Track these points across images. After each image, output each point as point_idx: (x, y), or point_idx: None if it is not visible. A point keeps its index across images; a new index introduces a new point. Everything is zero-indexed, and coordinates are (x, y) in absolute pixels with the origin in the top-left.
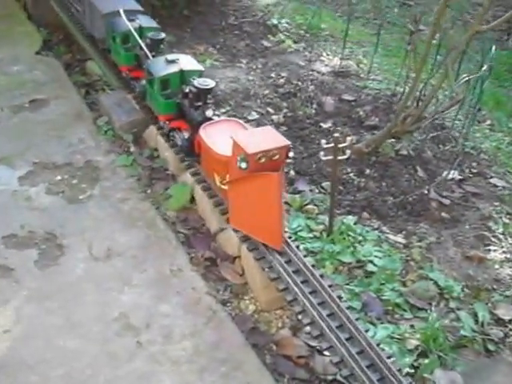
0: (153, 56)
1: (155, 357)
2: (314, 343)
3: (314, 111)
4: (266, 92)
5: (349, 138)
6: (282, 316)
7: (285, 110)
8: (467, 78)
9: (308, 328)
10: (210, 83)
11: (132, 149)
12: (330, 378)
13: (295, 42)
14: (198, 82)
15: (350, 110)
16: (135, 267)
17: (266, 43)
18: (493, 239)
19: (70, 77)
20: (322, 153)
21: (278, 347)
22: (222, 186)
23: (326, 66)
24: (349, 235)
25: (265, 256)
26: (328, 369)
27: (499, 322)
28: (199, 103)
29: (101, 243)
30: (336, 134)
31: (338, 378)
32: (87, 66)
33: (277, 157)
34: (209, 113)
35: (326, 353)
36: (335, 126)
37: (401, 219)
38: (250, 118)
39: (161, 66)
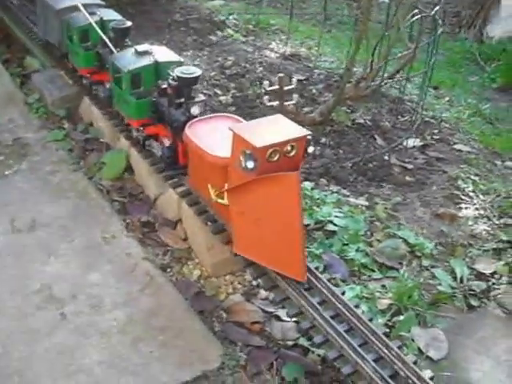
0: (118, 52)
1: (81, 329)
2: (271, 309)
3: (263, 91)
4: (213, 74)
5: (295, 79)
6: (232, 282)
7: (233, 91)
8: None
9: (264, 293)
10: (194, 71)
11: (66, 125)
12: (290, 343)
13: (244, 36)
14: (180, 71)
15: (303, 88)
16: (62, 237)
17: (213, 38)
18: (463, 197)
19: (7, 70)
20: (265, 97)
21: (229, 314)
22: (220, 200)
23: (276, 52)
24: (305, 199)
25: (207, 210)
26: (288, 334)
27: (480, 276)
28: (181, 99)
29: (24, 215)
30: (280, 74)
31: (301, 342)
32: (26, 61)
33: (293, 152)
34: (195, 110)
35: (285, 318)
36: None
37: (362, 184)
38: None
39: (130, 59)
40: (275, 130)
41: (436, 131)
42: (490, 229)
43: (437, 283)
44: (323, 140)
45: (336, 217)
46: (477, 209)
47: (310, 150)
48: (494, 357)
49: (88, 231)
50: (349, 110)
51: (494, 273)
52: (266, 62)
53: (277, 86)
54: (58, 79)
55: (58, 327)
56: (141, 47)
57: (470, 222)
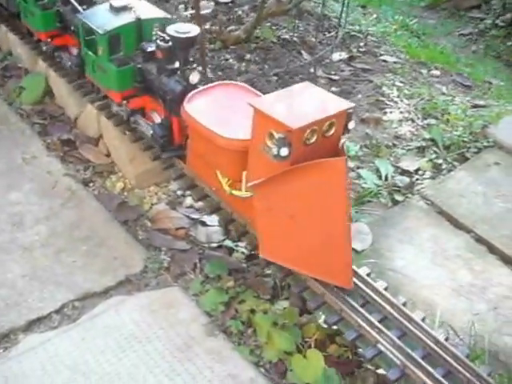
0: (84, 10)
1: (2, 246)
2: (196, 215)
3: (189, 15)
4: None
5: None
6: (157, 192)
7: None
8: None
9: (189, 201)
10: (190, 29)
11: None
12: (214, 245)
13: None
14: (174, 30)
15: (229, 11)
16: None
17: None
18: (388, 103)
19: None
20: (180, 6)
21: (153, 222)
22: (235, 193)
23: None
24: None
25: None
26: (212, 237)
27: (404, 173)
28: (175, 65)
29: None
30: None
31: (226, 243)
32: None
33: (332, 131)
34: (193, 78)
35: (211, 223)
36: (214, 26)
37: None
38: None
39: (105, 17)
40: (308, 103)
41: (362, 44)
42: (414, 129)
43: (362, 182)
44: (248, 56)
45: None
46: (401, 112)
47: (351, 125)
48: (417, 245)
49: (8, 154)
50: (274, 27)
51: (418, 169)
52: None
53: None
54: None
55: None
56: (117, 1)
57: (395, 125)
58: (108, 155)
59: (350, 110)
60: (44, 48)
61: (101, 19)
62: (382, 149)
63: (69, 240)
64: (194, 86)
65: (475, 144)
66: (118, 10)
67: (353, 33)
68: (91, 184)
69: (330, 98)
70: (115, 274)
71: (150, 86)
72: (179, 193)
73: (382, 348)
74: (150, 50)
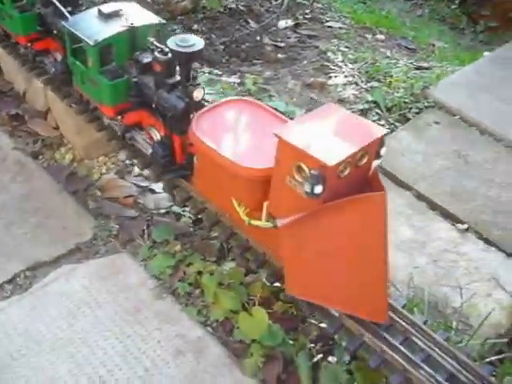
0: (70, 13)
1: None
2: (144, 183)
3: None
4: None
5: None
6: (106, 162)
7: None
8: None
9: (138, 170)
10: (195, 42)
11: None
12: (162, 211)
13: None
14: (176, 43)
15: None
16: None
17: None
18: (333, 67)
19: None
20: None
21: (103, 191)
22: (256, 223)
23: None
24: None
25: (71, 93)
26: (160, 203)
27: None
28: (175, 79)
29: None
30: None
31: (173, 209)
32: None
33: (364, 160)
34: (198, 94)
35: (159, 190)
36: None
37: (234, 64)
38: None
39: (94, 25)
40: (339, 131)
41: (308, 11)
42: (357, 92)
43: None
44: (195, 27)
45: (208, 94)
46: (345, 76)
47: (383, 151)
48: None
49: None
50: None
51: None
52: None
53: None
54: None
55: None
56: (107, 7)
57: (339, 89)
58: (57, 128)
59: (383, 136)
60: (107, 122)
61: (90, 28)
62: None
63: (19, 213)
64: (198, 103)
65: (416, 105)
66: (108, 17)
67: (299, 0)
68: (40, 157)
69: (361, 124)
70: (65, 244)
71: (147, 100)
72: (128, 162)
73: None
74: (146, 61)
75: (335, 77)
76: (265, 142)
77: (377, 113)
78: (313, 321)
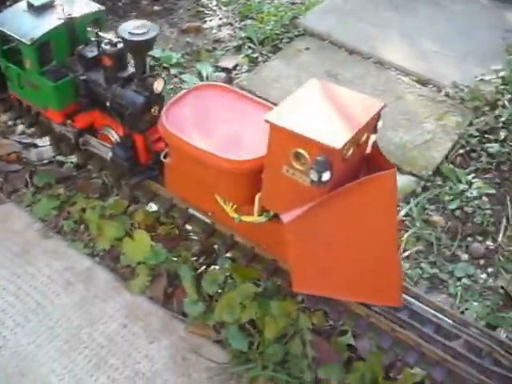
0: None
1: None
2: (28, 140)
3: None
4: None
5: None
6: None
7: None
8: None
9: (21, 128)
10: (149, 28)
11: None
12: (45, 161)
13: None
14: (127, 31)
15: None
16: None
17: None
18: (208, 12)
19: None
20: None
21: None
22: (248, 219)
23: None
24: None
25: None
26: (43, 155)
27: (224, 71)
28: (128, 72)
29: None
30: None
31: (57, 158)
32: None
33: (364, 137)
34: (158, 86)
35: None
36: None
37: (112, 21)
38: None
39: (26, 22)
40: (336, 110)
41: None
42: (232, 32)
43: (185, 86)
44: None
45: None
46: (220, 19)
47: (380, 125)
48: None
49: None
50: None
51: (236, 65)
52: None
53: None
54: None
55: None
56: None
57: (214, 31)
58: None
59: (382, 109)
60: (58, 129)
61: (22, 24)
62: (202, 53)
63: None
64: (159, 96)
65: (287, 35)
66: (40, 10)
67: None
68: None
69: (355, 98)
70: None
71: (100, 99)
72: (10, 123)
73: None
74: (92, 55)
75: (210, 20)
76: (246, 130)
77: (250, 47)
78: (194, 237)
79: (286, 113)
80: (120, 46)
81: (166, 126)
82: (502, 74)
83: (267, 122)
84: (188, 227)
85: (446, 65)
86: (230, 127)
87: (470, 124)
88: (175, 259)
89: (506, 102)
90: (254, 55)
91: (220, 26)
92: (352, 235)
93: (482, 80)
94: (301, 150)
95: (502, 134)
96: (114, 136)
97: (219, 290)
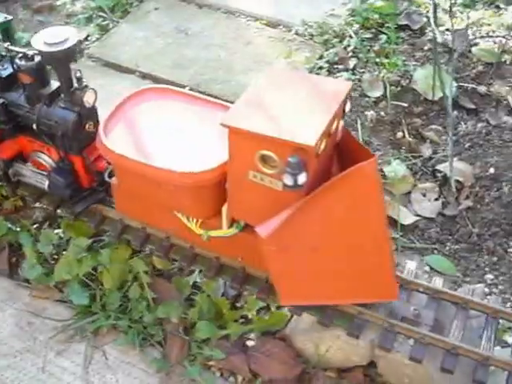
0: None
1: None
2: None
3: None
4: None
5: None
6: None
7: None
8: None
9: None
10: (68, 35)
11: None
12: None
13: None
14: (44, 41)
15: None
16: None
17: None
18: None
19: None
20: None
21: None
22: (217, 234)
23: None
24: None
25: None
26: None
27: None
28: (52, 87)
29: None
30: None
31: None
32: None
33: (334, 125)
34: (89, 98)
35: None
36: None
37: None
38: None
39: None
40: (297, 97)
41: None
42: (84, 4)
43: None
44: None
45: None
46: None
47: (348, 108)
48: None
49: None
50: None
51: (87, 36)
52: None
53: None
54: None
55: None
56: None
57: (68, 6)
58: None
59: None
60: None
61: None
62: None
63: None
64: (91, 110)
65: None
66: None
67: None
68: None
69: (319, 83)
70: None
71: (24, 122)
72: None
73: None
74: (6, 74)
75: None
76: (198, 136)
77: (100, 16)
78: (36, 205)
79: (245, 112)
80: (37, 59)
81: (106, 144)
82: (349, 5)
83: (224, 125)
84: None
85: (296, 5)
86: (179, 135)
87: (320, 57)
88: (19, 229)
89: (352, 33)
90: (105, 23)
91: (74, 0)
92: (338, 234)
93: (331, 15)
94: (267, 152)
95: (351, 63)
96: (49, 161)
97: (55, 251)
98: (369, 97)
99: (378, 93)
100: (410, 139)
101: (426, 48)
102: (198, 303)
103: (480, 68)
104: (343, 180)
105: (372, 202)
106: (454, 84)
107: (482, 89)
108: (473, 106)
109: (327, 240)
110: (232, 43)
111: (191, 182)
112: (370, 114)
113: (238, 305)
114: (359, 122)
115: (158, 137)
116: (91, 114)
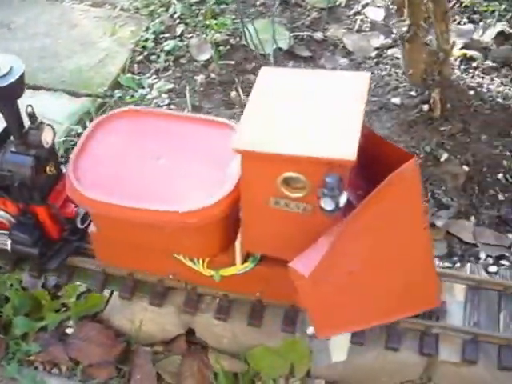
0: None
1: None
2: None
3: None
4: None
5: None
6: None
7: None
8: None
9: None
10: (12, 64)
11: None
12: None
13: None
14: None
15: None
16: None
17: None
18: None
19: None
20: None
21: None
22: (231, 272)
23: None
24: None
25: None
26: None
27: None
28: None
29: None
30: None
31: None
32: None
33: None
34: (47, 137)
35: None
36: None
37: None
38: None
39: None
40: (314, 102)
41: None
42: None
43: None
44: None
45: None
46: None
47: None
48: None
49: None
50: None
51: None
52: None
53: None
54: None
55: None
56: None
57: None
58: None
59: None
60: None
61: None
62: None
63: None
64: (50, 149)
65: None
66: None
67: None
68: None
69: (336, 80)
70: None
71: None
72: None
73: None
74: None
75: None
76: (188, 161)
77: None
78: None
79: (258, 131)
80: None
81: (81, 190)
82: None
83: (238, 151)
84: None
85: None
86: (167, 164)
87: (147, 30)
88: None
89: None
90: None
91: None
92: (378, 251)
93: None
94: (294, 174)
95: (179, 30)
96: (7, 217)
97: None
98: (197, 61)
99: (206, 56)
100: (244, 96)
101: (258, 3)
102: (11, 299)
103: (314, 14)
104: (385, 190)
105: (413, 207)
106: (288, 34)
107: (318, 35)
108: (309, 54)
109: (366, 259)
110: (56, 29)
111: (196, 221)
112: (200, 77)
113: (60, 294)
114: (188, 88)
115: (140, 170)
116: (51, 154)
